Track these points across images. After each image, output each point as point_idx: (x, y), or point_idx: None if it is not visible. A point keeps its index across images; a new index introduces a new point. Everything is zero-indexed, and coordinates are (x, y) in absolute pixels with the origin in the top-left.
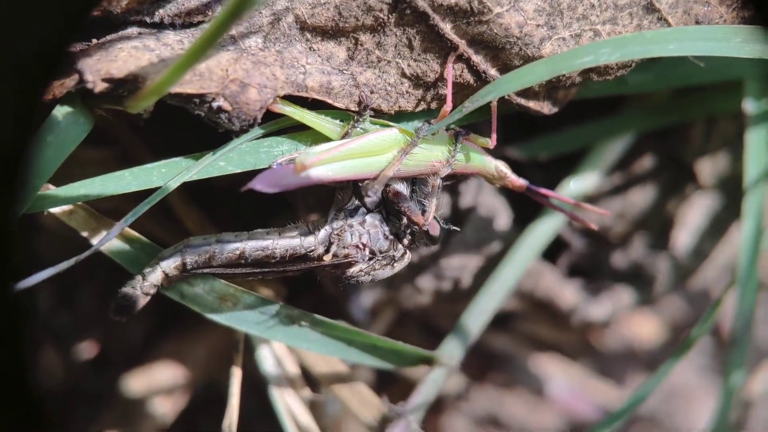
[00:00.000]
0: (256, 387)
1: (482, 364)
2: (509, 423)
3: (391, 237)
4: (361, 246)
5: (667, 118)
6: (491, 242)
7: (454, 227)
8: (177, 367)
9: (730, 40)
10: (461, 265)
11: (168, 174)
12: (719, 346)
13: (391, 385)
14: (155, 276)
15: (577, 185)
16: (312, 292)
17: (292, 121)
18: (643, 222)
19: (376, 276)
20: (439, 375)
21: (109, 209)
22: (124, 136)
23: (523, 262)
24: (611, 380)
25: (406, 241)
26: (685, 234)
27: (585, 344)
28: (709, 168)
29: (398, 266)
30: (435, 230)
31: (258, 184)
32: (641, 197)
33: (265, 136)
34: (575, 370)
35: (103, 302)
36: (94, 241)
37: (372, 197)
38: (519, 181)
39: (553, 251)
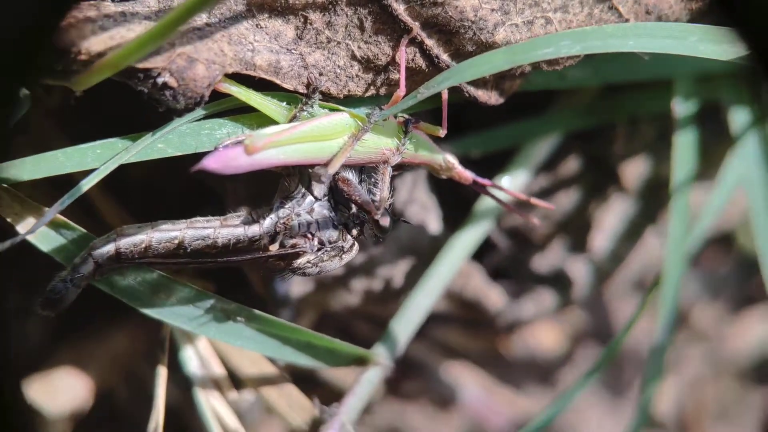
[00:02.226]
0: (180, 388)
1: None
2: None
3: (340, 227)
4: (309, 236)
5: (594, 118)
6: (423, 241)
7: (404, 220)
8: (77, 374)
9: (686, 39)
10: (393, 264)
11: (103, 155)
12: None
13: (313, 388)
14: (87, 267)
15: (508, 183)
16: (239, 289)
17: (234, 102)
18: (566, 224)
19: (323, 268)
20: (374, 375)
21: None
22: (37, 120)
23: (456, 263)
24: (514, 388)
25: (355, 232)
26: (602, 237)
27: (492, 352)
28: (631, 171)
29: (346, 258)
30: (385, 221)
31: (208, 165)
32: (566, 199)
33: (206, 117)
34: (484, 377)
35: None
36: (20, 227)
37: (322, 184)
38: (465, 173)
39: (479, 252)
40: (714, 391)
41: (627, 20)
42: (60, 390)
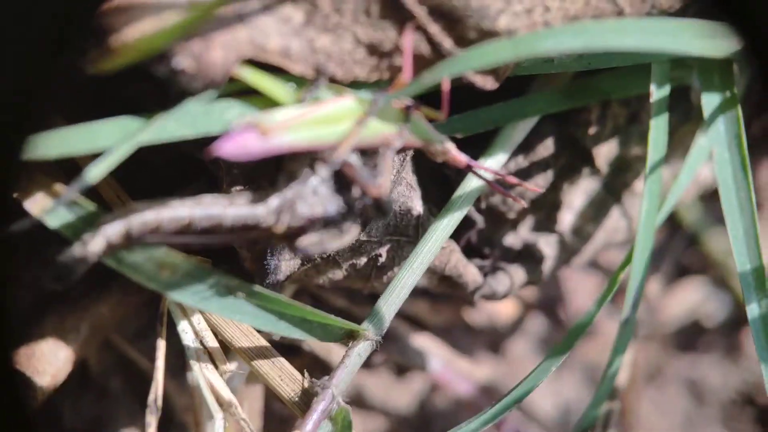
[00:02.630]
0: (170, 363)
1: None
2: (372, 402)
3: (342, 209)
4: (313, 217)
5: (570, 100)
6: (407, 219)
7: (403, 201)
8: (58, 343)
9: (682, 35)
10: (378, 242)
11: (116, 135)
12: (559, 328)
13: (295, 357)
14: (97, 243)
15: (491, 164)
16: (228, 263)
17: (241, 84)
18: (539, 202)
19: (326, 248)
20: (363, 348)
21: None
22: None
23: (440, 241)
24: (469, 358)
25: (357, 213)
26: (570, 216)
27: (452, 323)
28: (603, 151)
29: (348, 238)
30: (387, 203)
31: (223, 149)
32: (541, 178)
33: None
34: (445, 348)
35: None
36: (28, 203)
37: (327, 167)
38: (460, 157)
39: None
40: (645, 356)
41: (622, 9)
42: (41, 362)
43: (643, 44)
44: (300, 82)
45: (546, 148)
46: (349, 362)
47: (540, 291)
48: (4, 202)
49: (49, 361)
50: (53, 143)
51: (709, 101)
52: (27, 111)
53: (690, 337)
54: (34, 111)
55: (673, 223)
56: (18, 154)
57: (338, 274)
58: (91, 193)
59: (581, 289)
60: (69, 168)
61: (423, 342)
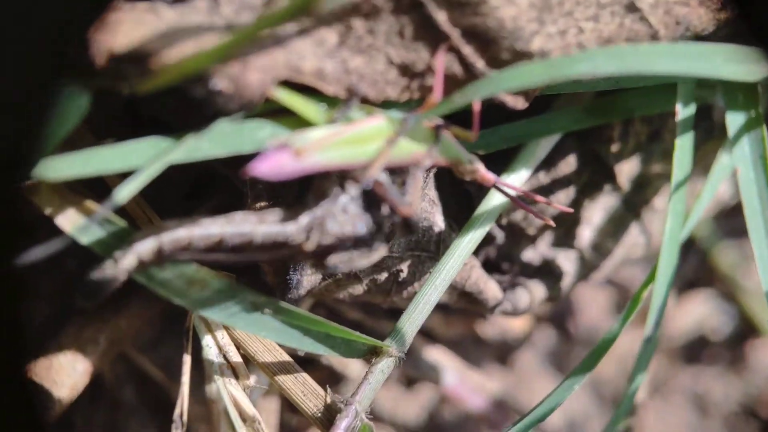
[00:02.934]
0: (196, 376)
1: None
2: (381, 414)
3: (372, 226)
4: (343, 235)
5: (593, 118)
6: (428, 235)
7: (429, 219)
8: (77, 357)
9: (714, 59)
10: (399, 257)
11: (149, 154)
12: (567, 342)
13: (315, 372)
14: (128, 261)
15: (512, 180)
16: (249, 276)
17: (272, 104)
18: (559, 219)
19: (354, 266)
20: (386, 365)
21: None
22: None
23: (462, 258)
24: (479, 370)
25: (386, 231)
26: (590, 231)
27: (464, 336)
28: (626, 169)
29: (375, 256)
30: (415, 221)
31: (258, 169)
32: (562, 195)
33: (246, 118)
34: (457, 361)
35: None
36: (60, 219)
37: (357, 186)
38: (488, 175)
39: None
40: (654, 369)
41: (657, 31)
42: (59, 374)
43: (676, 69)
44: (332, 102)
45: (568, 164)
46: (372, 378)
47: (551, 305)
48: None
49: (67, 373)
50: (84, 162)
51: (734, 120)
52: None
53: (695, 349)
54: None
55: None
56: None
57: (358, 289)
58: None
59: (592, 304)
60: (96, 185)
61: (435, 355)
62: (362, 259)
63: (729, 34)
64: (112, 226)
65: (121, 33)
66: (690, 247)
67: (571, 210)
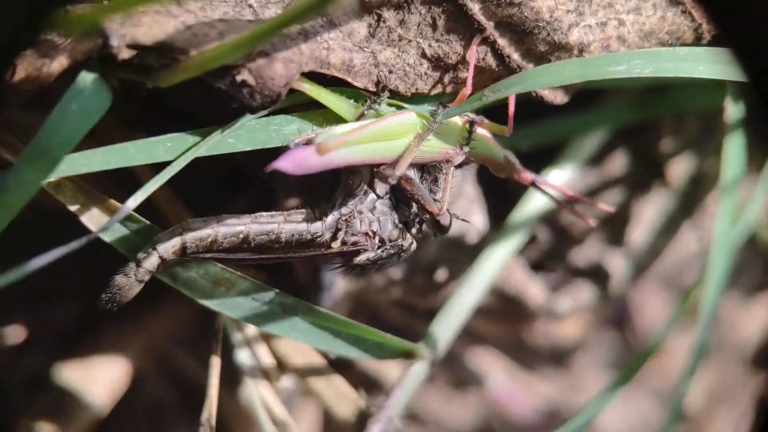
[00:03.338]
0: (226, 378)
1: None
2: (427, 418)
3: (400, 225)
4: (370, 233)
5: (641, 113)
6: (467, 235)
7: (462, 218)
8: (115, 357)
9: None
10: (437, 257)
11: (174, 149)
12: (625, 344)
13: (351, 376)
14: (151, 262)
15: (556, 177)
16: (286, 278)
17: (300, 98)
18: (607, 217)
19: (382, 265)
20: (420, 369)
21: None
22: None
23: (501, 260)
24: (532, 372)
25: (414, 230)
26: (640, 231)
27: (514, 338)
28: (676, 166)
29: (404, 256)
30: (446, 220)
31: (283, 165)
32: (611, 193)
33: (272, 113)
34: (506, 363)
35: (30, 281)
36: (84, 218)
37: (388, 183)
38: (526, 173)
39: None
40: (719, 376)
41: (700, 24)
42: (97, 373)
43: (715, 74)
44: (361, 95)
45: (617, 162)
46: (405, 383)
47: (608, 307)
48: None
49: (105, 374)
50: (110, 156)
51: None
52: None
53: (766, 355)
54: None
55: (749, 239)
56: None
57: (395, 291)
58: (147, 204)
59: (650, 306)
60: (124, 181)
61: (481, 357)
62: (390, 259)
63: None
64: (136, 224)
65: (145, 24)
66: (757, 251)
67: (612, 209)
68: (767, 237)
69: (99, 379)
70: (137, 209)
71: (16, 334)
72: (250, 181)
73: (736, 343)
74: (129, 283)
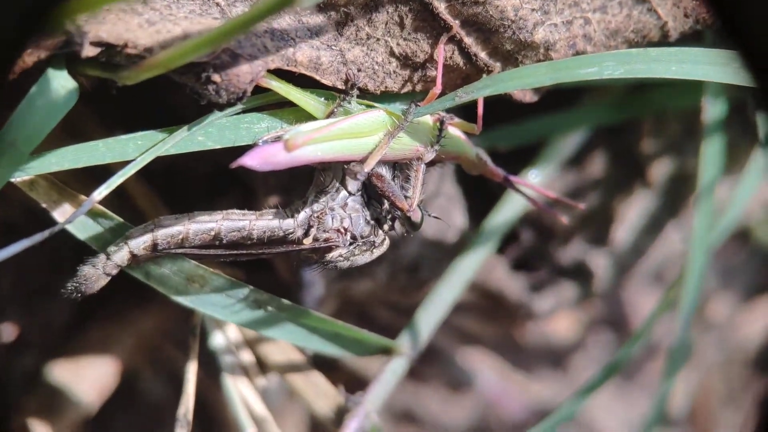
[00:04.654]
0: (207, 374)
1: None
2: (423, 418)
3: (372, 222)
4: (342, 230)
5: (621, 113)
6: (448, 233)
7: (435, 216)
8: (104, 355)
9: (729, 65)
10: (419, 255)
11: (144, 146)
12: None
13: (335, 375)
14: (121, 255)
15: (535, 177)
16: (264, 275)
17: (272, 97)
18: (589, 218)
19: (354, 261)
20: (398, 365)
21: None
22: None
23: (481, 256)
24: (527, 373)
25: (386, 227)
26: (623, 231)
27: (507, 338)
28: (656, 166)
29: (377, 252)
30: (417, 217)
31: (248, 161)
32: (591, 193)
33: (244, 111)
34: (499, 363)
35: (22, 280)
36: (56, 214)
37: (357, 180)
38: (497, 170)
39: (502, 242)
40: (722, 378)
41: (666, 22)
42: (86, 370)
43: (688, 74)
44: (331, 95)
45: (597, 162)
46: (383, 378)
47: (602, 307)
48: None
49: (94, 372)
50: (84, 154)
51: (766, 120)
52: None
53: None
54: None
55: (745, 240)
56: None
57: (378, 290)
58: (128, 204)
59: (644, 306)
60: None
61: (474, 357)
62: (363, 255)
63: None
64: (109, 221)
65: (109, 22)
66: (755, 251)
67: (583, 206)
68: (762, 235)
69: (88, 376)
70: (115, 208)
71: (8, 332)
72: (233, 182)
73: (737, 346)
74: (96, 274)
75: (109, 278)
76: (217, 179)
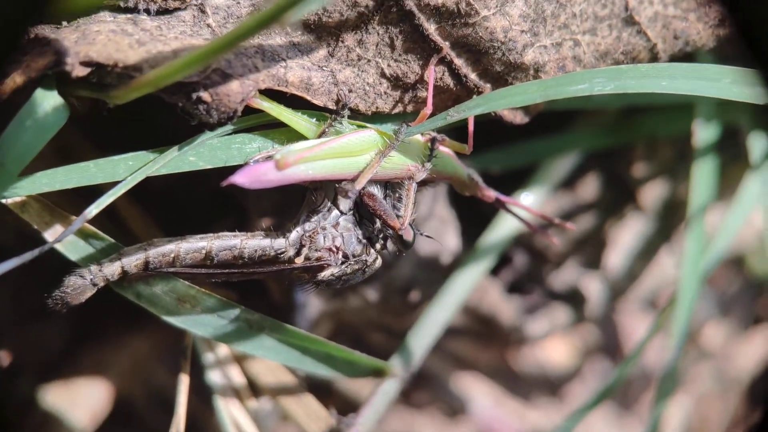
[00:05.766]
0: (199, 395)
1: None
2: None
3: (364, 241)
4: (334, 249)
5: (614, 137)
6: (441, 255)
7: (427, 235)
8: (97, 379)
9: (719, 81)
10: (412, 277)
11: (135, 167)
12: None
13: (328, 397)
14: (112, 269)
15: (527, 200)
16: (257, 296)
17: (263, 118)
18: (582, 242)
19: (347, 281)
20: (390, 387)
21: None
22: (66, 128)
23: (473, 279)
24: (523, 400)
25: (378, 246)
26: (617, 255)
27: (502, 364)
28: (649, 191)
29: (369, 271)
30: (409, 236)
31: (239, 179)
32: (583, 217)
33: (235, 132)
34: (494, 389)
35: (17, 305)
36: (47, 235)
37: (348, 199)
38: (488, 191)
39: (495, 266)
40: (719, 408)
41: (655, 44)
42: (80, 395)
43: (678, 89)
44: (321, 114)
45: (589, 185)
46: (375, 400)
47: (598, 332)
48: None
49: (86, 396)
50: (75, 174)
51: (758, 144)
52: None
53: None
54: None
55: (740, 269)
56: None
57: (371, 312)
58: (122, 227)
59: (639, 330)
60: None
61: (469, 384)
62: (355, 275)
63: (733, 53)
64: (101, 242)
65: (99, 42)
66: (752, 282)
67: (573, 227)
68: (756, 265)
69: (81, 401)
70: (109, 231)
71: (2, 357)
72: (229, 208)
73: (732, 376)
74: (83, 284)
75: (96, 290)
76: (213, 207)
